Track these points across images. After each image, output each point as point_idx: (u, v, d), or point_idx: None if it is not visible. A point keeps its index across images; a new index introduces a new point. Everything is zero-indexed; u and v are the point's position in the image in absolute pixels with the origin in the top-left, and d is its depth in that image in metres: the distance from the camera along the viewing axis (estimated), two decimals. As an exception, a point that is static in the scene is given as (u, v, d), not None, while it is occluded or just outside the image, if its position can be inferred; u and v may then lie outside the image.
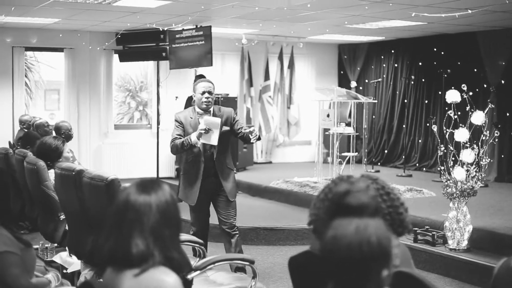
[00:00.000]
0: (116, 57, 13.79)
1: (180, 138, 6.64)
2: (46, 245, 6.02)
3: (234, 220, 6.85)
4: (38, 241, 6.03)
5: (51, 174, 6.01)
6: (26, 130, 10.26)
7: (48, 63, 15.02)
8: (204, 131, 6.43)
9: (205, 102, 6.63)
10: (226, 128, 6.67)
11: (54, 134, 8.85)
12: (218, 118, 6.52)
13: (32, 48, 13.72)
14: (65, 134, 8.93)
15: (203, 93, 6.63)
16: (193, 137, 6.50)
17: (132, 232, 2.59)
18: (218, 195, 6.82)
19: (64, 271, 5.76)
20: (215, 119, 6.51)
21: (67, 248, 5.73)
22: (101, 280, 2.76)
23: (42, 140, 6.54)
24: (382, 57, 15.42)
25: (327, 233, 2.20)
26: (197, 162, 6.72)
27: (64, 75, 13.57)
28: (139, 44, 13.30)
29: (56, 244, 6.08)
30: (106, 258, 2.67)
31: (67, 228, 5.81)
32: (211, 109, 6.75)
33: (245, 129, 6.65)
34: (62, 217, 5.88)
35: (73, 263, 5.68)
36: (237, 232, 6.85)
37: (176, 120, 6.80)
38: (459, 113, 7.51)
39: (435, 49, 13.65)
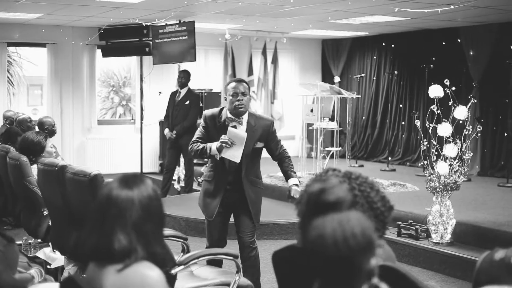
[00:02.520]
0: (99, 52, 13.76)
1: (200, 143, 5.90)
2: (29, 241, 5.99)
3: (250, 238, 6.00)
4: (21, 237, 6.00)
5: (34, 169, 5.98)
6: (9, 126, 10.22)
7: (30, 58, 14.94)
8: (225, 145, 5.66)
9: (238, 105, 5.78)
10: (260, 144, 5.95)
11: (37, 129, 8.81)
12: (244, 133, 5.73)
13: (15, 44, 13.65)
14: (48, 130, 8.88)
15: (235, 94, 5.79)
16: (214, 147, 5.74)
17: (114, 228, 2.58)
18: (242, 210, 6.00)
19: (48, 266, 5.74)
20: (241, 134, 5.71)
21: (50, 243, 5.71)
22: (84, 275, 2.76)
23: (24, 135, 6.50)
24: (365, 52, 15.46)
25: (309, 234, 2.19)
26: (220, 173, 5.96)
27: (46, 71, 13.51)
28: (122, 39, 13.26)
29: (39, 240, 6.05)
30: (89, 253, 2.67)
31: (50, 223, 5.79)
32: (245, 116, 5.92)
33: (286, 165, 6.07)
34: (45, 212, 5.86)
35: (57, 259, 5.65)
36: (253, 252, 6.06)
37: (202, 119, 6.03)
38: (442, 108, 7.54)
39: (418, 45, 13.70)
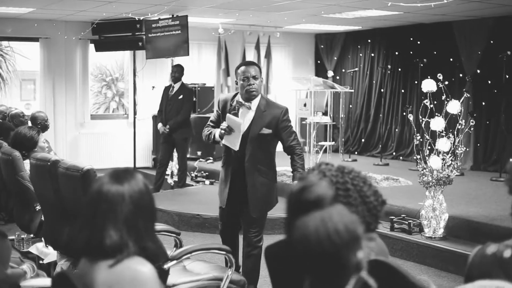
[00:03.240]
0: (92, 46, 13.72)
1: (212, 127, 5.95)
2: (22, 236, 6.00)
3: (254, 237, 5.92)
4: (14, 232, 6.01)
5: (27, 164, 5.97)
6: (1, 121, 10.20)
7: (23, 53, 14.89)
8: (224, 131, 5.60)
9: (249, 89, 5.68)
10: (267, 130, 5.75)
11: (29, 124, 8.80)
12: (239, 120, 5.63)
13: (7, 38, 13.61)
14: (41, 125, 8.87)
15: (246, 78, 5.69)
16: (217, 133, 5.72)
17: (105, 223, 2.58)
18: (243, 204, 5.91)
19: (40, 262, 5.74)
20: (236, 120, 5.59)
21: (43, 238, 5.71)
22: (77, 270, 2.76)
23: (17, 130, 6.50)
24: (359, 46, 15.45)
25: (294, 234, 2.20)
26: (229, 159, 5.94)
27: (39, 65, 13.48)
28: (115, 33, 13.23)
29: (32, 235, 6.05)
30: (81, 249, 2.66)
31: (43, 218, 5.79)
32: (256, 101, 5.79)
33: (294, 163, 5.80)
34: (38, 207, 5.86)
35: (49, 254, 5.66)
36: (255, 250, 5.94)
37: (216, 104, 6.05)
38: (435, 102, 7.56)
39: (411, 39, 13.70)
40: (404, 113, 13.27)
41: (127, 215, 2.59)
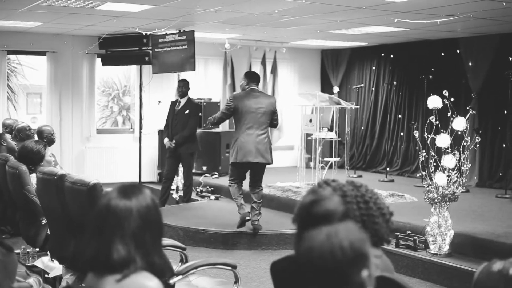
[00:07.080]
0: (98, 61, 13.77)
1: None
2: (28, 250, 5.98)
3: None
4: (19, 246, 5.99)
5: (33, 178, 5.98)
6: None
7: (30, 66, 14.95)
8: None
9: None
10: None
11: (36, 138, 8.82)
12: None
13: (15, 52, 13.66)
14: (47, 138, 8.88)
15: None
16: None
17: (113, 237, 2.58)
18: None
19: (46, 276, 5.73)
20: None
21: (49, 252, 5.71)
22: (83, 285, 2.76)
23: (23, 144, 6.52)
24: (365, 62, 15.48)
25: (300, 246, 2.20)
26: None
27: (46, 79, 13.51)
28: (122, 48, 13.28)
29: (38, 249, 6.05)
30: (88, 263, 2.67)
31: (49, 232, 5.79)
32: None
33: None
34: (44, 221, 5.86)
35: (55, 268, 5.65)
36: None
37: None
38: (440, 119, 7.55)
39: (417, 55, 13.72)
40: (410, 129, 13.27)
41: (135, 230, 2.60)
